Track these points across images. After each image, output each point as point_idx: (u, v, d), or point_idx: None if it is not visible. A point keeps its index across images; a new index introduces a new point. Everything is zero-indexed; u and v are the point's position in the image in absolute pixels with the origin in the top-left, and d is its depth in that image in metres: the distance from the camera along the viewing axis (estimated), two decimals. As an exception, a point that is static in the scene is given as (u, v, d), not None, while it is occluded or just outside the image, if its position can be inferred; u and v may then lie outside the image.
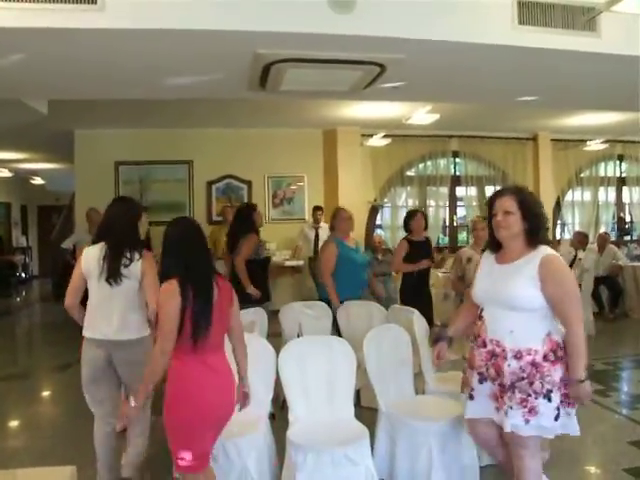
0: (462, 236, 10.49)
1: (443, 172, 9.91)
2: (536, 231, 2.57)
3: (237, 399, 2.58)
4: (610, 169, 10.73)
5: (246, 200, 9.22)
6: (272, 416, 3.75)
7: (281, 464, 3.03)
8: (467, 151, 9.89)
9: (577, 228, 9.90)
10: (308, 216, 9.02)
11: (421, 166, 9.87)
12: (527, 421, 2.44)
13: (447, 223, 10.24)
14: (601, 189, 10.63)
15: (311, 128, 9.12)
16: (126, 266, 3.02)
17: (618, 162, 10.77)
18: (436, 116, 7.40)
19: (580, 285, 7.32)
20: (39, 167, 12.85)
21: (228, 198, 9.13)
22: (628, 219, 10.96)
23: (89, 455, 3.73)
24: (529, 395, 2.44)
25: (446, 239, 10.39)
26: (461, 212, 10.35)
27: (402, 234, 9.57)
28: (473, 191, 10.05)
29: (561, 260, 2.57)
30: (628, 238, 10.52)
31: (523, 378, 2.45)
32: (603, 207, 10.71)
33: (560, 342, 2.51)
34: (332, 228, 5.08)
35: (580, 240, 7.66)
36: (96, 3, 3.36)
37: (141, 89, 5.18)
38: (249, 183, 9.27)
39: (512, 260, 2.58)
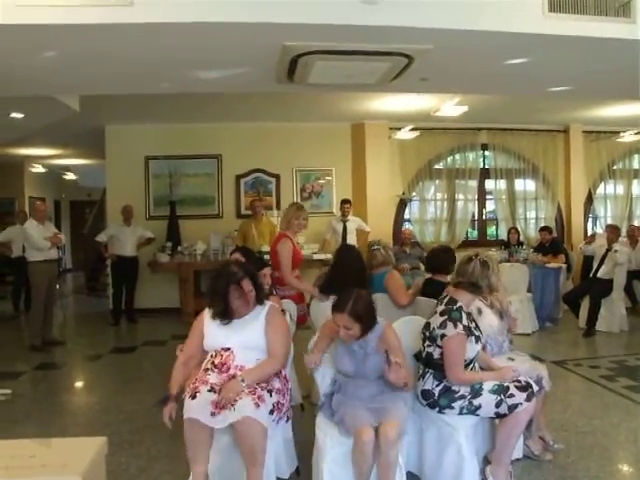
0: (491, 230, 10.38)
1: (472, 165, 9.79)
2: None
3: None
4: (644, 161, 10.50)
5: (274, 194, 9.27)
6: (301, 407, 3.80)
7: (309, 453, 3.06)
8: (496, 144, 9.76)
9: (609, 222, 9.69)
10: (336, 210, 9.03)
11: (450, 159, 9.77)
12: (257, 405, 2.77)
13: (476, 217, 10.14)
14: (635, 182, 10.39)
15: (339, 122, 9.12)
16: None
17: (653, 154, 10.52)
18: (464, 108, 7.34)
19: (612, 280, 7.21)
20: (71, 163, 13.12)
21: (257, 192, 9.19)
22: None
23: (120, 442, 3.82)
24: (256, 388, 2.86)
25: (475, 233, 10.29)
26: (490, 206, 10.23)
27: (431, 229, 9.64)
28: (502, 184, 9.92)
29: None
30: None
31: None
32: (637, 200, 10.47)
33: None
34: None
35: (612, 232, 7.51)
36: (126, -2, 3.41)
37: (170, 83, 5.24)
38: (277, 177, 9.31)
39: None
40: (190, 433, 2.80)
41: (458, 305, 3.06)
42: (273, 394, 2.90)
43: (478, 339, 3.09)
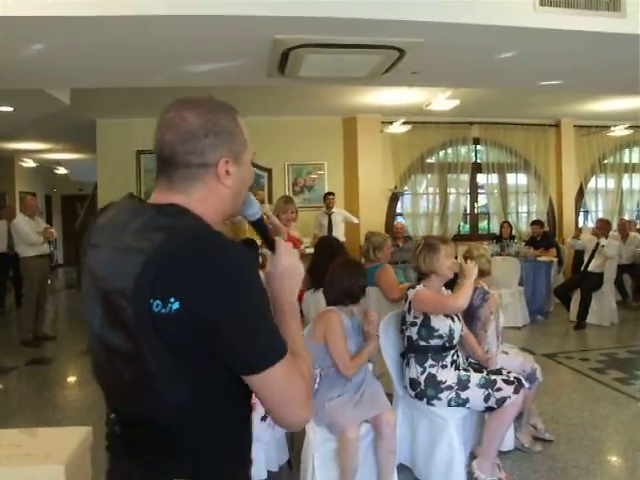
0: (483, 224, 10.41)
1: (464, 159, 9.81)
2: None
3: None
4: (635, 155, 10.54)
5: (266, 188, 9.25)
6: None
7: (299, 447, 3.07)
8: (488, 138, 9.78)
9: (600, 216, 9.74)
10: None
11: (442, 153, 9.79)
12: None
13: (468, 211, 10.17)
14: (625, 176, 10.44)
15: (331, 116, 9.10)
16: None
17: (644, 148, 10.58)
18: (456, 102, 7.34)
19: (603, 273, 7.25)
20: (62, 157, 13.03)
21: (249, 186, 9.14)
22: (653, 206, 10.78)
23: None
24: None
25: (467, 227, 10.33)
26: (482, 200, 10.27)
27: (424, 223, 9.66)
28: (494, 178, 9.95)
29: None
30: (653, 226, 10.33)
31: None
32: (627, 194, 10.52)
33: None
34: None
35: (601, 227, 7.55)
36: (116, -10, 3.39)
37: (162, 77, 5.21)
38: (269, 171, 9.28)
39: None
40: None
41: (417, 284, 3.25)
42: None
43: (448, 316, 3.17)
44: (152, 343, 1.02)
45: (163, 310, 0.99)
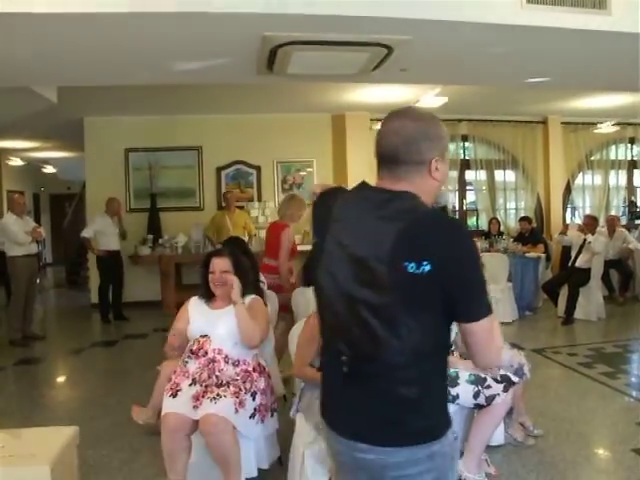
0: (472, 220, 10.46)
1: (452, 156, 9.80)
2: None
3: None
4: (621, 152, 10.60)
5: (255, 186, 9.23)
6: (284, 398, 3.81)
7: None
8: (476, 135, 9.81)
9: (587, 212, 9.81)
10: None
11: (430, 150, 9.79)
12: (237, 410, 2.84)
13: (457, 207, 10.21)
14: (612, 172, 10.49)
15: (320, 113, 9.09)
16: None
17: (629, 145, 10.64)
18: (444, 99, 7.36)
19: (590, 269, 7.31)
20: (50, 155, 12.94)
21: (238, 184, 9.16)
22: (639, 203, 10.85)
23: (102, 436, 3.81)
24: (240, 390, 2.93)
25: (456, 224, 10.34)
26: (471, 196, 10.31)
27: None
28: (483, 175, 9.99)
29: None
30: (639, 222, 10.42)
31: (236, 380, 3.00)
32: (614, 191, 10.56)
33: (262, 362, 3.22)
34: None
35: (589, 223, 7.61)
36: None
37: (150, 74, 5.18)
38: (258, 168, 9.27)
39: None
40: (168, 443, 2.79)
41: None
42: (257, 397, 2.97)
43: None
44: (401, 297, 1.34)
45: (417, 271, 1.31)
